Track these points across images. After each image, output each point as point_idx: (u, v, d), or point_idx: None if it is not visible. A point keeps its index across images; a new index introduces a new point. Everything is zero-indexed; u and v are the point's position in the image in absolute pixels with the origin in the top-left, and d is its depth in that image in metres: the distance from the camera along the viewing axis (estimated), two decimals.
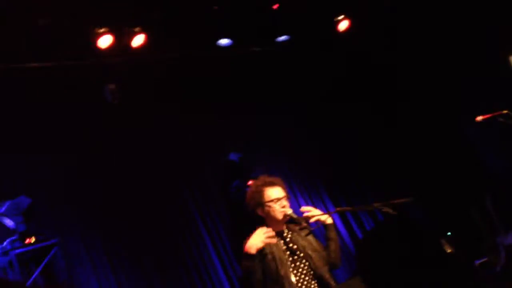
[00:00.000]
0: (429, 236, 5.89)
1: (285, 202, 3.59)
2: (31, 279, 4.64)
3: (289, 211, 3.65)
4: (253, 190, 3.65)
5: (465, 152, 7.00)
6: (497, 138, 6.31)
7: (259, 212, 3.61)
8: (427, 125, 7.20)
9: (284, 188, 3.66)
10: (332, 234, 3.72)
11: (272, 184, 3.62)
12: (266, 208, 3.57)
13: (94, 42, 5.43)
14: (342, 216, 6.91)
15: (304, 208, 3.71)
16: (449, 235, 6.26)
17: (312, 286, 3.53)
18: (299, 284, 3.49)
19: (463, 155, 7.00)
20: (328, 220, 3.70)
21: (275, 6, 6.50)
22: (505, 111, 4.23)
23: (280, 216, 3.57)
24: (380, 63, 7.49)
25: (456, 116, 6.95)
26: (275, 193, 3.59)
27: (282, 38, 6.88)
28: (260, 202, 3.58)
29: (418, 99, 7.35)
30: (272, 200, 3.56)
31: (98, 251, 5.43)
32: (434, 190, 6.90)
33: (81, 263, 5.29)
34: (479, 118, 4.36)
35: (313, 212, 3.67)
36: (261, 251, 3.50)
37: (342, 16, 6.82)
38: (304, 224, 3.68)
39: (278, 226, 3.61)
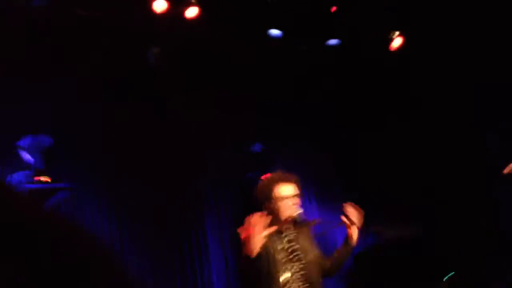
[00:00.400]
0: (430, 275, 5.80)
1: (295, 201, 3.55)
2: None
3: (299, 210, 3.63)
4: (265, 184, 3.62)
5: (489, 207, 6.80)
6: None
7: (266, 206, 3.57)
8: (453, 167, 7.02)
9: (298, 187, 3.62)
10: (350, 246, 3.66)
11: (286, 180, 3.58)
12: (273, 204, 3.53)
13: (150, 5, 5.48)
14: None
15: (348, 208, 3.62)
16: (451, 275, 6.16)
17: None
18: (291, 281, 3.46)
19: (487, 211, 6.80)
20: (355, 233, 3.64)
21: (333, 9, 6.45)
22: None
23: (287, 214, 3.54)
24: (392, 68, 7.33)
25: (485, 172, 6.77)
26: (287, 190, 3.55)
27: (333, 42, 6.83)
28: (269, 197, 3.54)
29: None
30: (282, 197, 3.53)
31: (104, 206, 5.50)
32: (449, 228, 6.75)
33: (86, 214, 5.37)
34: (506, 170, 4.26)
35: (351, 215, 3.59)
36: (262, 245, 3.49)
37: (397, 33, 6.72)
38: (311, 227, 3.66)
39: (282, 224, 3.57)
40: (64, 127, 5.29)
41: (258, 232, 3.16)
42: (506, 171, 4.26)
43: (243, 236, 3.22)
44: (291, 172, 3.78)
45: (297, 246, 3.57)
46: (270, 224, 3.58)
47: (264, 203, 3.58)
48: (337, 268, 3.69)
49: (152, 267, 5.60)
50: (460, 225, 6.68)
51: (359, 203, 7.06)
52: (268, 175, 3.87)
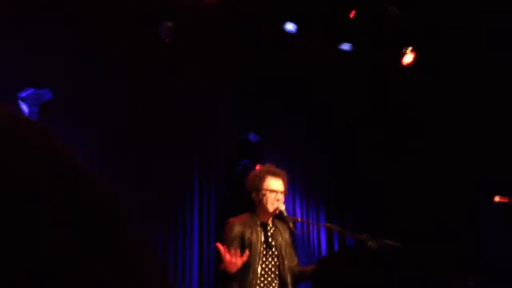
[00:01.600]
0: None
1: (280, 197, 3.62)
2: None
3: (282, 207, 3.68)
4: (256, 174, 3.70)
5: (468, 224, 6.89)
6: (506, 223, 6.21)
7: (254, 196, 3.65)
8: (438, 180, 7.08)
9: (285, 184, 3.69)
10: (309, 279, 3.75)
11: (275, 174, 3.66)
12: (261, 195, 3.61)
13: None
14: (329, 232, 6.91)
15: None
16: None
17: (274, 284, 3.57)
18: (262, 278, 3.53)
19: (466, 225, 6.89)
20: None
21: (352, 14, 6.45)
22: None
23: (271, 208, 3.61)
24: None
25: (472, 184, 6.83)
26: (275, 184, 3.63)
27: (346, 46, 6.83)
28: (258, 187, 3.62)
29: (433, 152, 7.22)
30: (269, 190, 3.59)
31: (93, 167, 5.49)
32: (423, 247, 6.81)
33: None
34: (497, 199, 4.30)
35: None
36: (242, 234, 3.53)
37: (410, 48, 6.72)
38: (291, 225, 3.70)
39: (266, 216, 3.66)
40: (64, 87, 5.29)
41: (233, 269, 3.35)
42: (496, 199, 4.30)
43: (220, 267, 3.39)
44: (281, 168, 3.84)
45: (276, 242, 3.63)
46: (254, 216, 3.63)
47: (252, 192, 3.65)
48: (296, 282, 3.75)
49: None
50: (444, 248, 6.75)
51: (343, 208, 7.15)
52: (260, 166, 3.92)
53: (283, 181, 3.68)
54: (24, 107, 4.73)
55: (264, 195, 3.59)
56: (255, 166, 5.73)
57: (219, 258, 3.51)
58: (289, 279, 3.60)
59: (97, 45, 5.60)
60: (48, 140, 0.61)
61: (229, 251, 3.51)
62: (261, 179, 3.62)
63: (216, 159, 6.39)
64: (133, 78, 5.83)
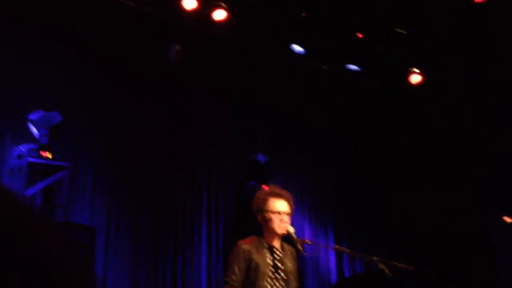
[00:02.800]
0: None
1: (285, 218, 3.57)
2: (32, 191, 4.76)
3: (291, 229, 3.65)
4: (260, 196, 3.66)
5: (483, 248, 6.80)
6: None
7: (259, 218, 3.62)
8: (449, 203, 7.02)
9: (290, 205, 3.64)
10: None
11: (279, 196, 3.61)
12: (266, 217, 3.58)
13: (180, 0, 5.54)
14: (338, 254, 6.85)
15: None
16: None
17: None
18: None
19: (480, 251, 6.80)
20: None
21: (360, 35, 6.47)
22: None
23: (277, 229, 3.58)
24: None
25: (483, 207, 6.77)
26: (279, 206, 3.58)
27: (353, 67, 6.84)
28: (262, 209, 3.58)
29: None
30: (273, 212, 3.56)
31: (102, 188, 5.53)
32: (438, 273, 6.72)
33: (82, 194, 5.39)
34: (507, 219, 4.27)
35: None
36: (250, 256, 3.52)
37: (417, 70, 6.72)
38: (300, 247, 3.67)
39: (273, 238, 3.62)
40: (73, 107, 5.35)
41: None
42: (506, 219, 4.27)
43: None
44: (289, 189, 3.81)
45: (282, 266, 3.60)
46: (262, 238, 3.61)
47: (258, 214, 3.62)
48: None
49: (146, 253, 5.62)
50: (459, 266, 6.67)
51: (352, 229, 7.09)
52: (266, 187, 3.89)
53: (288, 201, 3.63)
54: (34, 129, 4.77)
55: (269, 216, 3.56)
56: (263, 186, 5.72)
57: (225, 274, 3.51)
58: None
59: (107, 67, 5.67)
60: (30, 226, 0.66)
61: (234, 273, 3.49)
62: (264, 200, 3.59)
63: (225, 180, 6.40)
64: (144, 99, 5.88)
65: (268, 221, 3.57)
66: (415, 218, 7.05)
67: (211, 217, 6.19)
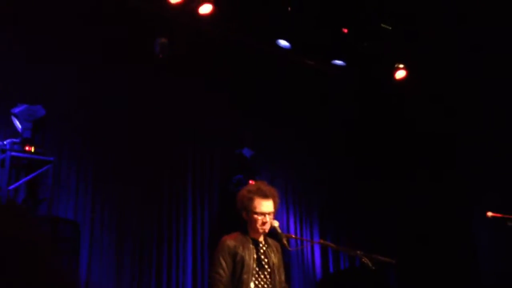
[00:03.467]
0: None
1: (268, 218, 3.58)
2: (15, 185, 4.72)
3: (276, 223, 3.66)
4: (244, 194, 3.64)
5: (465, 241, 6.89)
6: (500, 239, 6.21)
7: (244, 215, 3.63)
8: (434, 196, 7.09)
9: (275, 202, 3.64)
10: None
11: (264, 196, 3.59)
12: (251, 217, 3.59)
13: None
14: (323, 248, 6.89)
15: None
16: None
17: None
18: None
19: (462, 243, 6.89)
20: None
21: (345, 30, 6.49)
22: None
23: (260, 229, 3.60)
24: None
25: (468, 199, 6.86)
26: (263, 206, 3.57)
27: (339, 62, 6.86)
28: (247, 209, 3.59)
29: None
30: (258, 214, 3.56)
31: (86, 182, 5.50)
32: (419, 264, 6.80)
33: (66, 188, 5.36)
34: (490, 214, 4.31)
35: None
36: (235, 250, 3.53)
37: (402, 65, 6.76)
38: (284, 242, 3.68)
39: (257, 234, 3.63)
40: (56, 100, 5.31)
41: None
42: (489, 215, 4.31)
43: None
44: (274, 184, 3.81)
45: (267, 260, 3.62)
46: (247, 233, 3.62)
47: (242, 212, 3.63)
48: None
49: (131, 247, 5.60)
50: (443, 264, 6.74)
51: (337, 224, 7.13)
52: (251, 183, 3.89)
53: (273, 199, 3.61)
54: (17, 123, 4.72)
55: (254, 217, 3.56)
56: (249, 181, 5.73)
57: (212, 269, 3.52)
58: None
59: (94, 61, 5.62)
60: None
61: (221, 267, 3.50)
62: (250, 200, 3.57)
63: (210, 174, 6.40)
64: (130, 92, 5.85)
65: (253, 221, 3.59)
66: (399, 212, 7.11)
67: (197, 211, 6.19)
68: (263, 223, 3.57)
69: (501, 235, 5.89)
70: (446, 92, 6.92)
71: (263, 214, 3.57)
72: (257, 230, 3.61)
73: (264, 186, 3.70)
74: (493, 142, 6.54)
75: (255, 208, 3.57)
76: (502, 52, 6.30)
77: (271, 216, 3.61)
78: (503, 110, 6.44)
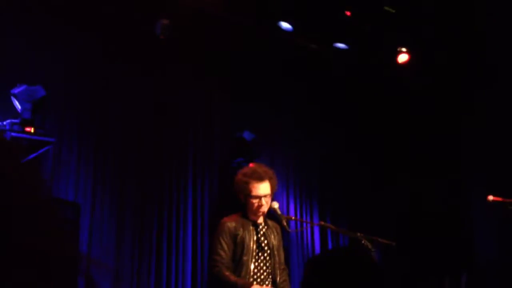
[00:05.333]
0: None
1: (264, 201, 3.57)
2: None
3: (276, 205, 3.67)
4: (240, 178, 3.64)
5: (462, 223, 6.90)
6: (498, 223, 6.22)
7: (241, 198, 3.63)
8: (432, 178, 7.09)
9: (272, 184, 3.63)
10: None
11: (260, 179, 3.58)
12: (248, 201, 3.59)
13: None
14: (323, 230, 6.91)
15: None
16: None
17: (267, 281, 3.57)
18: (255, 276, 3.53)
19: (459, 224, 6.91)
20: None
21: (348, 13, 6.43)
22: None
23: (258, 211, 3.60)
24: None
25: (467, 182, 6.86)
26: (259, 189, 3.56)
27: (341, 45, 6.81)
28: (244, 193, 3.59)
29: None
30: (255, 197, 3.56)
31: (87, 164, 5.49)
32: (417, 246, 6.83)
33: (67, 170, 5.36)
34: (490, 198, 4.31)
35: None
36: (235, 232, 3.54)
37: (404, 49, 6.71)
38: (284, 223, 3.69)
39: (256, 216, 3.64)
40: (59, 81, 5.29)
41: None
42: (490, 198, 4.31)
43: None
44: (267, 167, 3.80)
45: (267, 241, 3.63)
46: (246, 215, 3.63)
47: (239, 195, 3.64)
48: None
49: (131, 229, 5.61)
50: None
51: (337, 207, 7.14)
52: (248, 167, 3.87)
53: (269, 181, 3.60)
54: (17, 104, 4.71)
55: (251, 201, 3.57)
56: (249, 164, 5.72)
57: (212, 250, 3.53)
58: (278, 279, 3.60)
59: (93, 42, 5.59)
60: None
61: (222, 249, 3.51)
62: (246, 184, 3.56)
63: (211, 157, 6.40)
64: (130, 74, 5.82)
65: (250, 204, 3.59)
66: (399, 195, 7.11)
67: (197, 194, 6.19)
68: (259, 206, 3.57)
69: (499, 219, 5.92)
70: (447, 75, 6.87)
71: (259, 197, 3.57)
72: (255, 213, 3.62)
73: (259, 168, 3.69)
74: (495, 125, 6.51)
75: (251, 191, 3.57)
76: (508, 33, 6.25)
77: (268, 198, 3.61)
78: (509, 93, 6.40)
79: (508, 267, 6.12)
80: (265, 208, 3.60)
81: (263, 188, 3.58)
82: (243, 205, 3.66)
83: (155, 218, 5.82)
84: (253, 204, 3.58)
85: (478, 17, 6.35)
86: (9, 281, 0.65)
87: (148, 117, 5.93)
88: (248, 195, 3.57)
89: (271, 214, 3.75)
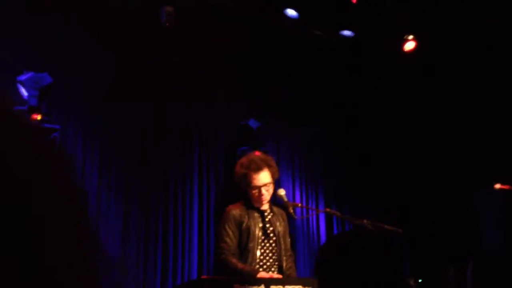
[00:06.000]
0: (398, 271, 5.86)
1: (265, 190, 3.56)
2: None
3: (282, 192, 3.67)
4: (238, 170, 3.63)
5: (467, 212, 6.91)
6: (504, 211, 6.22)
7: (243, 188, 3.62)
8: (436, 166, 7.08)
9: (272, 171, 3.60)
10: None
11: (257, 169, 3.55)
12: (249, 192, 3.59)
13: None
14: (328, 217, 6.92)
15: None
16: (419, 282, 6.23)
17: (273, 268, 3.58)
18: (261, 262, 3.54)
19: (464, 213, 6.91)
20: None
21: (354, 0, 6.39)
22: None
23: (262, 200, 3.59)
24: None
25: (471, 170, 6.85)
26: (258, 179, 3.54)
27: (347, 33, 6.77)
28: (244, 183, 3.58)
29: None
30: (255, 187, 3.56)
31: (93, 151, 5.51)
32: (424, 234, 6.84)
33: (73, 156, 5.37)
34: (497, 186, 4.31)
35: None
36: (240, 219, 3.54)
37: (411, 36, 6.67)
38: (291, 210, 3.69)
39: (260, 205, 3.64)
40: (63, 69, 5.29)
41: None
42: (497, 186, 4.30)
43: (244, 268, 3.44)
44: (265, 155, 3.79)
45: (273, 228, 3.63)
46: (250, 203, 3.62)
47: (241, 185, 3.62)
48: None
49: (138, 216, 5.64)
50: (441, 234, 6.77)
51: (342, 194, 7.14)
52: (246, 157, 3.82)
53: (268, 169, 3.58)
54: (23, 91, 4.71)
55: (251, 191, 3.56)
56: (255, 152, 5.71)
57: (218, 238, 3.54)
58: (285, 265, 3.60)
59: (101, 28, 5.58)
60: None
61: (228, 236, 3.52)
62: (245, 175, 3.55)
63: (216, 145, 6.40)
64: (136, 61, 5.82)
65: (251, 194, 3.59)
66: (404, 183, 7.11)
67: (203, 182, 6.20)
68: (260, 196, 3.56)
69: (504, 207, 5.92)
70: (453, 63, 6.84)
71: (259, 187, 3.56)
72: (257, 202, 3.62)
73: (256, 158, 3.66)
74: (498, 114, 6.49)
75: (250, 182, 3.56)
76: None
77: (269, 186, 3.59)
78: None
79: None
80: (267, 197, 3.60)
81: (262, 178, 3.56)
82: (245, 195, 3.66)
83: (161, 206, 5.84)
84: (254, 194, 3.57)
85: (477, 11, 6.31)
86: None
87: (153, 105, 5.93)
88: (248, 185, 3.56)
89: (277, 201, 3.75)
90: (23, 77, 4.71)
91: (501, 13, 6.16)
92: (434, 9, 6.46)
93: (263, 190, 3.56)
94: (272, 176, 3.62)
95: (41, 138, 0.73)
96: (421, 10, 6.52)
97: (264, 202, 3.61)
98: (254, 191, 3.56)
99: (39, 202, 0.65)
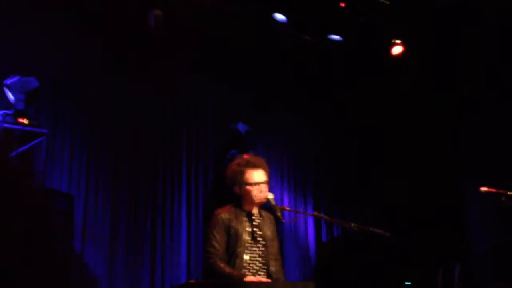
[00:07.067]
0: (388, 274, 5.89)
1: (263, 187, 3.58)
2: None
3: (270, 196, 3.66)
4: (234, 169, 3.63)
5: (455, 214, 6.95)
6: (492, 214, 6.25)
7: (236, 190, 3.61)
8: (425, 169, 7.12)
9: (266, 172, 3.64)
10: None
11: (254, 166, 3.59)
12: (244, 189, 3.58)
13: None
14: (317, 221, 6.93)
15: None
16: (407, 284, 6.25)
17: (261, 272, 3.57)
18: (249, 266, 3.53)
19: (452, 215, 6.95)
20: None
21: (342, 4, 6.42)
22: (510, 192, 4.18)
23: (256, 200, 3.59)
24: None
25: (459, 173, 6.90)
26: (256, 176, 3.57)
27: (336, 37, 6.80)
28: (240, 182, 3.58)
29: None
30: (251, 184, 3.56)
31: (81, 155, 5.47)
32: (412, 236, 6.87)
33: (60, 161, 5.34)
34: (483, 189, 4.32)
35: None
36: (229, 224, 3.54)
37: (398, 41, 6.71)
38: (279, 214, 3.68)
39: (251, 206, 3.64)
40: (50, 72, 5.26)
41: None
42: (483, 189, 4.32)
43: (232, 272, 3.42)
44: (260, 157, 3.81)
45: (264, 232, 3.63)
46: (240, 206, 3.62)
47: (234, 186, 3.62)
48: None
49: (125, 220, 5.60)
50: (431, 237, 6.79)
51: (331, 198, 7.15)
52: (240, 157, 3.86)
53: (264, 169, 3.62)
54: (10, 95, 4.68)
55: (247, 189, 3.56)
56: (242, 156, 5.71)
57: (207, 243, 3.53)
58: (273, 269, 3.60)
59: (88, 31, 5.55)
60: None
61: (216, 241, 3.51)
62: (241, 173, 3.56)
63: (205, 149, 6.39)
64: (123, 65, 5.80)
65: (247, 193, 3.58)
66: (393, 187, 7.14)
67: (191, 186, 6.18)
68: (260, 192, 3.57)
69: (491, 210, 5.96)
70: (442, 67, 6.89)
71: (257, 184, 3.57)
72: (253, 201, 3.61)
73: (252, 158, 3.70)
74: (489, 117, 6.54)
75: (247, 180, 3.57)
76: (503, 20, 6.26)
77: (264, 186, 3.61)
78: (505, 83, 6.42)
79: (501, 258, 6.16)
80: (262, 196, 3.60)
81: (259, 176, 3.59)
82: (237, 197, 3.65)
83: (149, 210, 5.82)
84: (251, 191, 3.57)
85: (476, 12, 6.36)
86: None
87: (142, 108, 5.91)
88: (245, 183, 3.56)
89: (265, 205, 3.75)
90: (9, 81, 4.68)
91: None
92: (423, 13, 6.50)
93: (262, 187, 3.57)
94: (267, 176, 3.64)
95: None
96: (409, 14, 6.56)
97: (257, 201, 3.60)
98: (251, 188, 3.55)
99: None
